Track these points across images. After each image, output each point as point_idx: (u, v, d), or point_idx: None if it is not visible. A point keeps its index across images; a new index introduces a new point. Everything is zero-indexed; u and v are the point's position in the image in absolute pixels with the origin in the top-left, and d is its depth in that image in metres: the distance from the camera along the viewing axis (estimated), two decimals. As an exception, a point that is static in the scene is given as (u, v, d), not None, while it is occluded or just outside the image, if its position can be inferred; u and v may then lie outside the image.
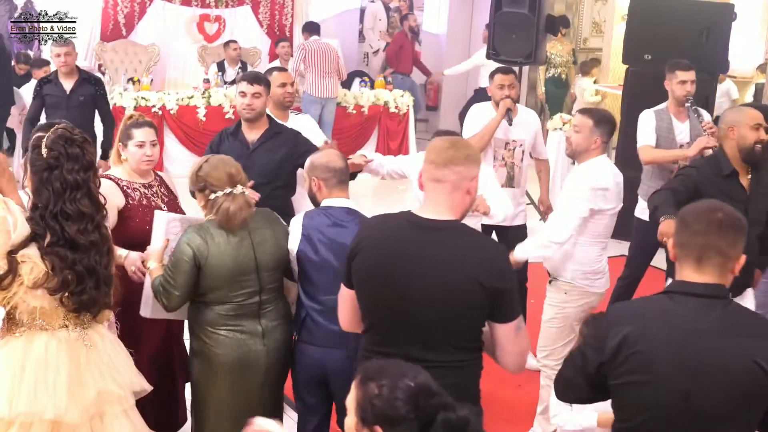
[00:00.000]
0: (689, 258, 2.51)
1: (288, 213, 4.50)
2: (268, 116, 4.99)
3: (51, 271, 3.07)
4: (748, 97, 11.84)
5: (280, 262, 3.69)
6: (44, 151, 3.11)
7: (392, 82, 11.41)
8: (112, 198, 3.77)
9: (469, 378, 2.85)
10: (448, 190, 2.80)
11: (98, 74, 7.47)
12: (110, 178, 3.97)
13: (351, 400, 2.10)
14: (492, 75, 5.74)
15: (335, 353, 3.57)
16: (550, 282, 4.57)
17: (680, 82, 5.70)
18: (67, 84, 7.12)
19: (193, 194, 3.69)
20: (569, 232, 4.35)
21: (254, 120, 4.86)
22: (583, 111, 4.61)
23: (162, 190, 4.11)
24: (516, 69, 6.33)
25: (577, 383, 2.65)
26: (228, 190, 3.54)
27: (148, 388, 3.41)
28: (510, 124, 5.53)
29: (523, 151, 5.61)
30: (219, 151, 4.63)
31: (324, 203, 3.69)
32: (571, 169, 8.76)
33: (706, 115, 5.85)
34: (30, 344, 3.16)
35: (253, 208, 3.63)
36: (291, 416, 4.49)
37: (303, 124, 5.37)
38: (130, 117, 4.15)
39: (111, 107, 7.74)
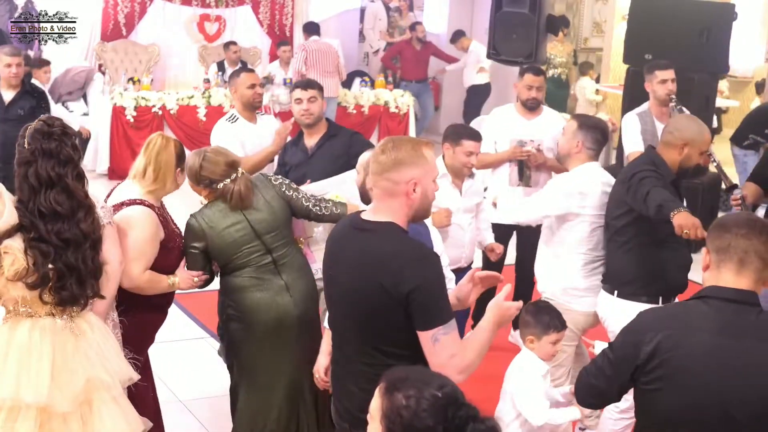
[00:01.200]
0: (730, 262, 2.48)
1: None
2: (327, 120, 5.07)
3: (32, 266, 3.06)
4: (748, 98, 11.84)
5: (279, 223, 3.96)
6: (25, 144, 3.11)
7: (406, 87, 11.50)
8: (154, 231, 3.65)
9: None
10: (382, 196, 2.76)
11: (42, 87, 7.02)
12: (147, 206, 3.68)
13: (376, 409, 2.06)
14: (522, 74, 5.67)
15: None
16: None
17: (661, 82, 5.62)
18: (8, 95, 6.51)
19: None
20: (526, 217, 4.59)
21: (313, 125, 4.95)
22: (573, 115, 4.59)
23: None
24: (516, 68, 6.31)
25: (609, 391, 2.63)
26: (233, 176, 3.83)
27: (136, 377, 3.40)
28: (520, 179, 5.56)
29: (541, 151, 5.53)
30: (283, 162, 4.94)
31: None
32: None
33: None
34: (14, 330, 3.18)
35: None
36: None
37: (267, 123, 5.45)
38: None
39: None
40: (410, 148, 2.74)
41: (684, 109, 5.69)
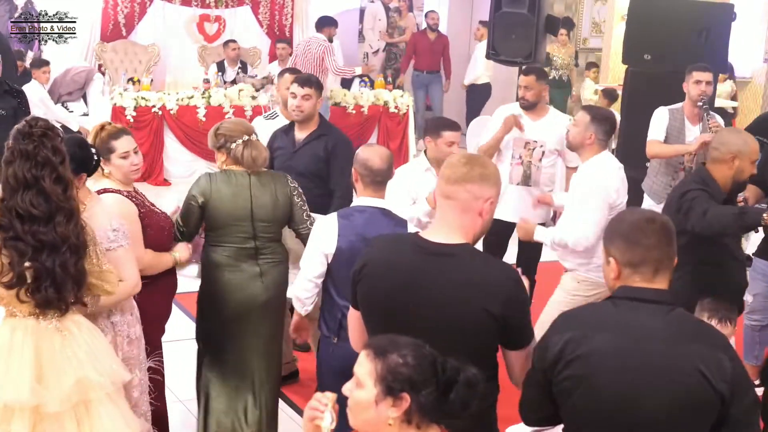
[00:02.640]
0: (645, 273, 2.45)
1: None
2: (321, 117, 5.09)
3: (7, 264, 3.04)
4: (750, 98, 11.85)
5: (276, 217, 4.16)
6: (8, 144, 3.10)
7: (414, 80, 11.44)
8: (133, 211, 3.77)
9: (482, 407, 2.76)
10: (458, 209, 2.67)
11: (19, 87, 6.88)
12: (116, 192, 3.82)
13: (366, 374, 2.13)
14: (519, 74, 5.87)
15: None
16: (566, 271, 4.67)
17: (696, 82, 5.75)
18: None
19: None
20: (591, 241, 4.38)
21: (303, 122, 4.99)
22: (585, 107, 4.69)
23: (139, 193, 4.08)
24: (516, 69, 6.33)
25: (540, 400, 2.56)
26: (245, 137, 4.10)
27: (128, 377, 3.39)
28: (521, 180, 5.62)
29: (543, 152, 5.60)
30: (272, 148, 4.94)
31: (357, 201, 3.72)
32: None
33: (718, 119, 5.87)
34: None
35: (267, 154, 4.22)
36: (288, 414, 4.49)
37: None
38: (102, 128, 3.90)
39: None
40: (494, 166, 2.78)
41: (712, 113, 5.76)
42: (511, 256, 5.83)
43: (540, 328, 4.54)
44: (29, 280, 3.08)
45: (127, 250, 3.50)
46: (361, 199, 3.69)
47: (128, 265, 3.50)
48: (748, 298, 5.24)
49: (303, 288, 3.77)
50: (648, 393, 2.35)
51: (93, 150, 3.65)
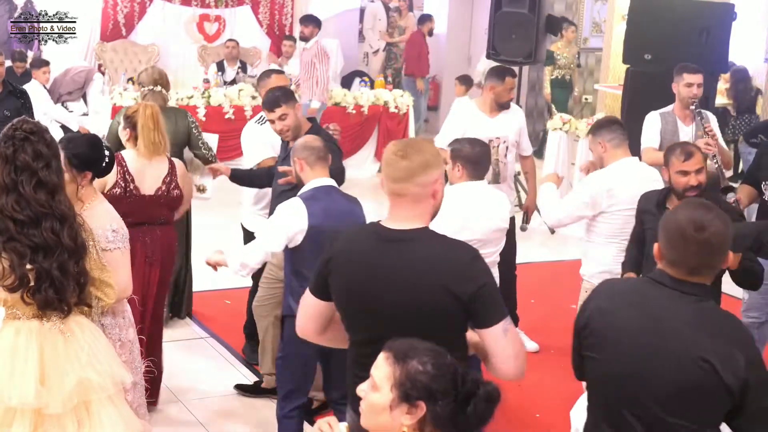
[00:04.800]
0: (682, 271, 2.51)
1: None
2: (313, 123, 5.02)
3: (8, 267, 3.03)
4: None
5: (176, 140, 5.27)
6: None
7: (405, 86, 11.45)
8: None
9: None
10: (411, 201, 2.69)
11: (23, 87, 6.85)
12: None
13: (384, 378, 2.10)
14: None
15: None
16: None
17: (686, 85, 5.71)
18: None
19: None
20: (552, 220, 4.75)
21: (295, 139, 4.73)
22: (589, 131, 4.83)
23: None
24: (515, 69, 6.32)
25: (578, 359, 2.69)
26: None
27: (129, 379, 3.39)
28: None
29: (507, 147, 5.66)
30: (285, 153, 4.90)
31: (311, 184, 3.95)
32: (571, 168, 8.84)
33: (711, 119, 5.83)
34: (0, 333, 3.16)
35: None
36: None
37: None
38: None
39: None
40: (430, 147, 2.76)
41: (704, 112, 5.74)
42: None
43: None
44: (32, 282, 3.07)
45: (123, 253, 3.51)
46: (313, 181, 3.95)
47: (122, 268, 3.50)
48: (744, 295, 5.24)
49: (256, 257, 3.97)
50: (656, 372, 2.44)
51: (107, 152, 3.66)
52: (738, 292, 5.55)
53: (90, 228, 3.29)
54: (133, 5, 11.56)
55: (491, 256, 4.26)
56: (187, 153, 5.60)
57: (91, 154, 3.57)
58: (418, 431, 2.10)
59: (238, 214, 5.58)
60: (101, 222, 3.46)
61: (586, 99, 11.74)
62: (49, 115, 8.98)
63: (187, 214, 5.60)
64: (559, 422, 4.67)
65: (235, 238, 5.55)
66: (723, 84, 10.47)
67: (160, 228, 4.65)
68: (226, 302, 6.19)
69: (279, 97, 4.76)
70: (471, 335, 2.78)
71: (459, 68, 12.84)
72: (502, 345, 2.67)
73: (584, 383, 2.79)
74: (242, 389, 5.11)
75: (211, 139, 5.80)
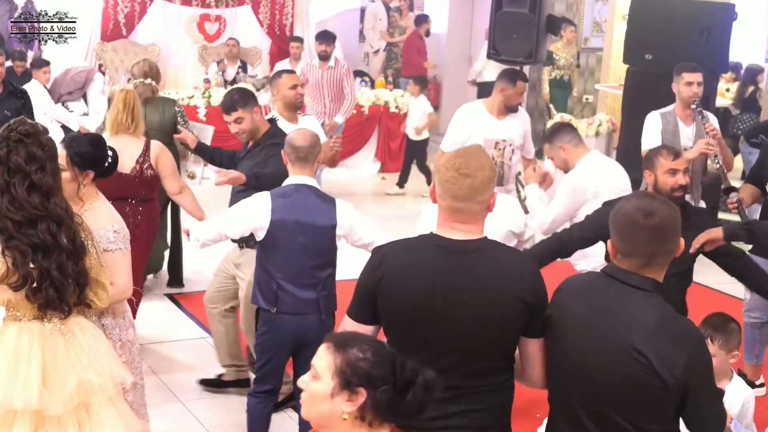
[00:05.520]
0: (636, 263, 2.54)
1: None
2: (272, 124, 5.03)
3: (11, 266, 3.03)
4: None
5: (163, 126, 5.99)
6: None
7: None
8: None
9: (507, 398, 2.77)
10: (472, 215, 2.66)
11: (23, 87, 6.87)
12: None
13: (325, 367, 2.13)
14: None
15: (310, 318, 4.02)
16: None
17: (686, 84, 5.69)
18: None
19: None
20: (545, 227, 4.71)
21: (252, 140, 4.95)
22: (545, 140, 4.96)
23: None
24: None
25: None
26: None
27: (129, 380, 3.39)
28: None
29: (513, 150, 5.70)
30: (245, 152, 5.02)
31: (288, 180, 4.10)
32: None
33: (712, 119, 5.82)
34: (2, 335, 3.16)
35: None
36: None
37: (308, 124, 5.44)
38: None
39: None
40: (488, 160, 2.70)
41: (705, 112, 5.72)
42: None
43: None
44: (35, 282, 3.07)
45: (124, 254, 3.51)
46: (292, 177, 4.08)
47: (123, 269, 3.50)
48: (746, 295, 5.23)
49: (208, 234, 4.16)
50: (599, 364, 2.50)
51: (110, 152, 3.67)
52: (739, 292, 5.56)
53: (89, 228, 3.29)
54: (134, 5, 11.55)
55: None
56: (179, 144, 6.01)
57: (94, 153, 3.59)
58: (358, 419, 2.13)
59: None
60: (103, 222, 3.46)
61: (586, 99, 11.77)
62: (50, 115, 8.97)
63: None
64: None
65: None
66: (723, 84, 10.48)
67: (143, 205, 5.09)
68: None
69: (236, 101, 4.89)
70: None
71: (459, 68, 12.85)
72: (540, 354, 2.71)
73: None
74: (206, 384, 5.13)
75: (207, 131, 5.88)
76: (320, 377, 2.13)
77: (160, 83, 6.46)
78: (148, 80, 6.09)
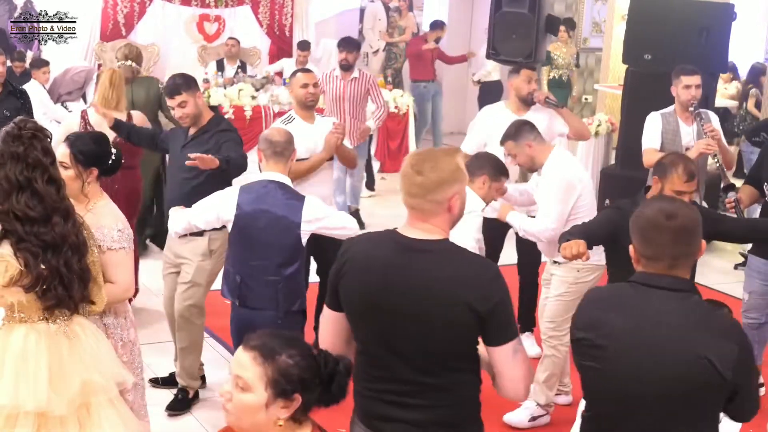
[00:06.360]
0: (661, 265, 2.54)
1: None
2: (214, 111, 5.15)
3: (24, 268, 3.05)
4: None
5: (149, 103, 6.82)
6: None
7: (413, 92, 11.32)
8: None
9: (466, 398, 2.75)
10: (426, 215, 2.66)
11: (23, 87, 6.89)
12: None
13: (257, 378, 2.10)
14: (517, 71, 5.89)
15: (266, 314, 4.07)
16: (554, 262, 4.78)
17: (685, 87, 5.68)
18: None
19: None
20: (552, 231, 4.58)
21: (193, 125, 4.96)
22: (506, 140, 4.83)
23: None
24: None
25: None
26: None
27: (131, 380, 3.40)
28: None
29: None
30: (167, 137, 5.24)
31: (261, 176, 4.16)
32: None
33: (713, 117, 5.82)
34: (9, 337, 3.17)
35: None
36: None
37: (325, 125, 5.45)
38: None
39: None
40: (448, 163, 2.66)
41: (704, 112, 5.71)
42: (506, 256, 5.83)
43: (551, 322, 4.69)
44: (48, 280, 3.08)
45: (127, 253, 3.52)
46: (264, 173, 4.15)
47: (125, 268, 3.52)
48: (744, 296, 5.24)
49: (179, 224, 4.27)
50: (655, 374, 2.46)
51: (113, 150, 3.69)
52: (738, 292, 5.56)
53: (90, 228, 3.30)
54: (133, 5, 11.55)
55: None
56: (163, 118, 7.00)
57: (97, 151, 3.61)
58: (290, 420, 2.14)
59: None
60: (107, 221, 3.48)
61: (586, 99, 11.78)
62: (49, 115, 8.97)
63: (162, 159, 6.85)
64: (560, 422, 4.68)
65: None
66: (721, 83, 10.48)
67: (121, 172, 4.91)
68: (226, 302, 6.18)
69: (180, 85, 4.91)
70: (483, 352, 2.76)
71: (459, 68, 12.84)
72: (510, 365, 2.67)
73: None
74: (156, 382, 5.07)
75: None
76: (252, 389, 2.11)
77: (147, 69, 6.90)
78: (129, 62, 6.83)
